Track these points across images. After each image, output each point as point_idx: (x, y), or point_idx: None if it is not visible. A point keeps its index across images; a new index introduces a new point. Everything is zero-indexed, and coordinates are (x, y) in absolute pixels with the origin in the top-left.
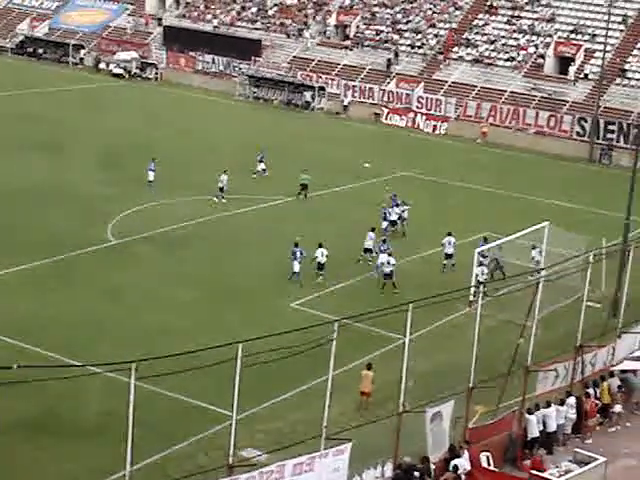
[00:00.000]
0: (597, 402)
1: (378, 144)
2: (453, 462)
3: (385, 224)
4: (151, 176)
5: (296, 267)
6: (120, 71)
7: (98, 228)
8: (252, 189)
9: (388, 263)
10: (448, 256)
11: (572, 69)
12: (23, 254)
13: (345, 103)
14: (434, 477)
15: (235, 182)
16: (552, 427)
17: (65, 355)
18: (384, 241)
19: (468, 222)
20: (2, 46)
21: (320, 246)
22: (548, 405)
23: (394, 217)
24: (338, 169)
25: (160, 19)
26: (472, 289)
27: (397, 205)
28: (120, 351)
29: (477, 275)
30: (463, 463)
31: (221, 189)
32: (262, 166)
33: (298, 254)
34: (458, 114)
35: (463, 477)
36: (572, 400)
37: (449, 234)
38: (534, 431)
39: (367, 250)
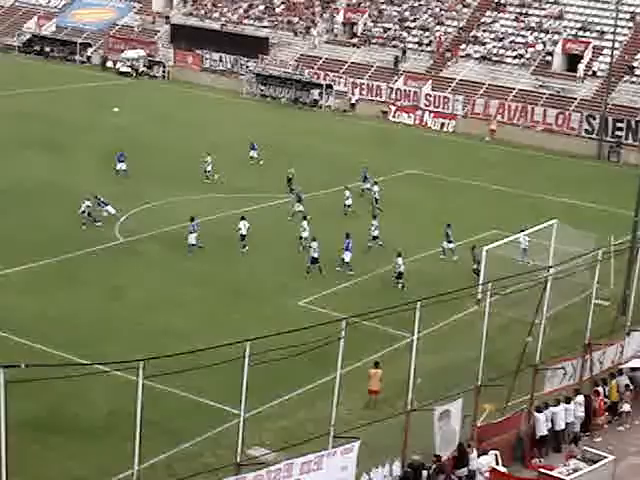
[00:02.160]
0: (606, 400)
1: (386, 142)
2: (479, 460)
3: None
4: (123, 166)
5: None
6: (127, 69)
7: (106, 226)
8: (260, 187)
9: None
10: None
11: (580, 66)
12: (31, 253)
13: (353, 101)
14: (445, 475)
15: (243, 180)
16: (560, 425)
17: (72, 354)
18: (347, 235)
19: (476, 220)
20: (9, 44)
21: (242, 218)
22: (557, 403)
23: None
24: (345, 167)
25: (168, 17)
26: (480, 287)
27: (366, 179)
28: (127, 350)
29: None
30: (488, 461)
31: (206, 171)
32: (253, 153)
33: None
34: (466, 112)
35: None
36: (581, 398)
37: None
38: (543, 429)
39: (375, 237)
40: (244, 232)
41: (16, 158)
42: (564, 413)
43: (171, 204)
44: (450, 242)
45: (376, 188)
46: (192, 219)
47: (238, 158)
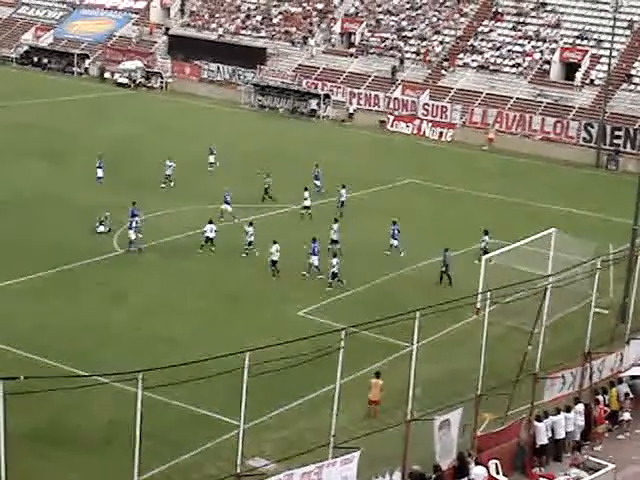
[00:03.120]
0: (606, 409)
1: (384, 151)
2: (473, 470)
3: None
4: (100, 173)
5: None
6: (125, 80)
7: (104, 237)
8: (258, 198)
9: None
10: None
11: (578, 75)
12: (29, 264)
13: (351, 111)
14: None
15: (241, 191)
16: (561, 434)
17: (71, 365)
18: (314, 240)
19: (474, 229)
20: (7, 56)
21: (210, 222)
22: (557, 412)
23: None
24: (343, 177)
25: (168, 29)
26: (479, 296)
27: (317, 178)
28: (126, 361)
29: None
30: (482, 472)
31: (167, 176)
32: (211, 158)
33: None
34: (464, 121)
35: None
36: (580, 407)
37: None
38: (543, 438)
39: (334, 241)
40: (210, 235)
41: (15, 168)
42: (564, 422)
43: (170, 214)
44: (395, 239)
45: (343, 192)
46: (133, 214)
47: (237, 169)
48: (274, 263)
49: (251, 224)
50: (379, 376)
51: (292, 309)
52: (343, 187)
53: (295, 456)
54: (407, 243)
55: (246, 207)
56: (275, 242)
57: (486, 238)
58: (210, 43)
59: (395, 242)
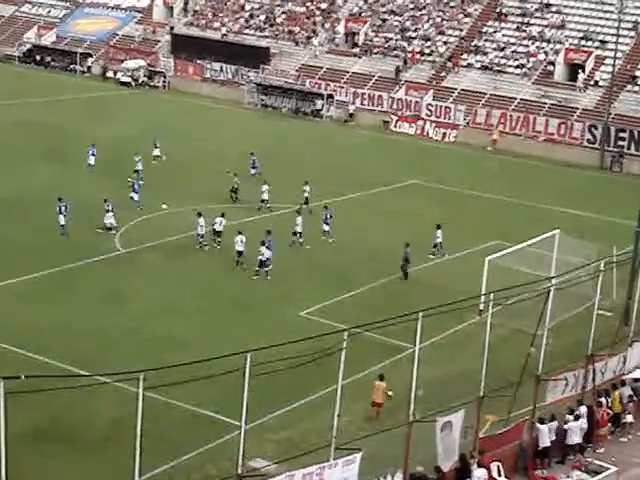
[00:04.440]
0: (609, 411)
1: (387, 152)
2: (475, 472)
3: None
4: (92, 160)
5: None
6: (128, 79)
7: (106, 237)
8: (259, 198)
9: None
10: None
11: (582, 76)
12: (31, 263)
13: (351, 111)
14: None
15: (243, 191)
16: (573, 440)
17: (72, 365)
18: (268, 232)
19: (478, 230)
20: (10, 54)
21: (222, 215)
22: (575, 418)
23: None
24: (346, 177)
25: (173, 28)
26: (482, 298)
27: (254, 167)
28: (127, 361)
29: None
30: (483, 474)
31: (136, 171)
32: (157, 152)
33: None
34: (468, 121)
35: None
36: (583, 409)
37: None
38: (546, 441)
39: (295, 233)
40: (219, 228)
41: (18, 168)
42: (578, 429)
43: (171, 214)
44: (327, 224)
45: (307, 188)
46: (60, 199)
47: (239, 168)
48: (240, 254)
49: (240, 232)
50: (383, 379)
51: (294, 310)
52: (306, 183)
53: (296, 457)
54: (411, 244)
55: (246, 207)
56: (240, 232)
57: (438, 233)
58: (213, 42)
59: (326, 227)
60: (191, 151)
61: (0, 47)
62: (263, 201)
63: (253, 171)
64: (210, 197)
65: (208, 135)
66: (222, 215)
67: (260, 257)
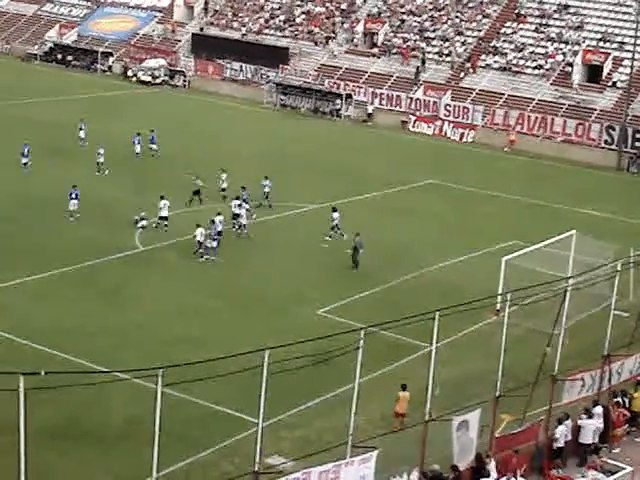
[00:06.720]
0: (625, 412)
1: (405, 152)
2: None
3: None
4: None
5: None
6: (148, 78)
7: (127, 235)
8: (278, 197)
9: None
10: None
11: (600, 77)
12: (52, 261)
13: (370, 111)
14: None
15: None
16: (588, 439)
17: (89, 361)
18: (212, 222)
19: (495, 230)
20: (31, 53)
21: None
22: (589, 416)
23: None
24: (363, 176)
25: (202, 29)
26: (499, 298)
27: (152, 142)
28: (144, 358)
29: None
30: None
31: (99, 164)
32: (82, 134)
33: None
34: (485, 122)
35: None
36: (599, 409)
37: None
38: (561, 441)
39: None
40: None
41: (37, 166)
42: (593, 427)
43: (189, 213)
44: (246, 203)
45: (267, 182)
46: (74, 186)
47: (258, 167)
48: (200, 244)
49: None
50: (405, 388)
51: (310, 308)
52: (266, 178)
53: (313, 455)
54: (427, 243)
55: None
56: (199, 226)
57: (335, 215)
58: (233, 42)
59: (246, 206)
60: (213, 151)
61: (22, 46)
62: (223, 190)
63: (154, 146)
64: (233, 196)
65: (228, 135)
66: (218, 214)
67: (197, 239)
